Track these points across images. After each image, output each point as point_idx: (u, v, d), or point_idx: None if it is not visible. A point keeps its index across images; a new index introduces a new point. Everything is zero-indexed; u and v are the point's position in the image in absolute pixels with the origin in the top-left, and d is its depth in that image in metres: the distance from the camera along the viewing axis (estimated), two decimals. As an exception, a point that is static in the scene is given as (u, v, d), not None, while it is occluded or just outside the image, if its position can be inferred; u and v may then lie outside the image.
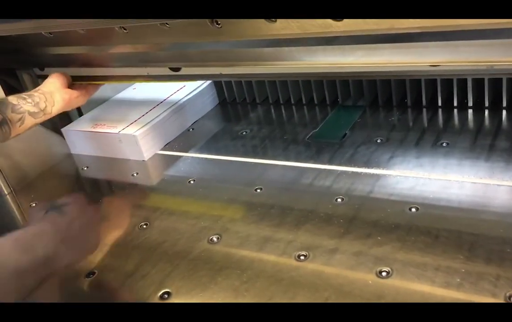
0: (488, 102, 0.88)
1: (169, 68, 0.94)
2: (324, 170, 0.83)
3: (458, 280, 0.56)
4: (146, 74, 1.01)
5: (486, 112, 0.89)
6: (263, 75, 0.98)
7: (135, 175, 0.99)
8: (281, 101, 1.12)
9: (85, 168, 1.06)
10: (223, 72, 0.91)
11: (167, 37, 0.83)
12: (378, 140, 0.88)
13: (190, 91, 1.15)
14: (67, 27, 0.86)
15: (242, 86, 1.17)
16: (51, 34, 0.95)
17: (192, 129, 1.11)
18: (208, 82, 1.18)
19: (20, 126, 0.86)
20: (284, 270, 0.64)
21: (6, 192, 1.01)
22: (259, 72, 0.92)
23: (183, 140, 1.08)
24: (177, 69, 0.94)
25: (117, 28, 0.85)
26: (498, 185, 0.70)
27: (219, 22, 0.75)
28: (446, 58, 0.65)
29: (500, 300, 0.52)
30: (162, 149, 1.06)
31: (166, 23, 0.79)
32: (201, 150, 1.02)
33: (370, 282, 0.59)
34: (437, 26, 0.59)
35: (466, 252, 0.59)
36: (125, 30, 0.85)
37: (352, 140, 0.90)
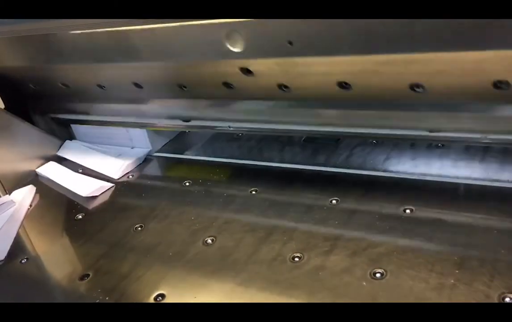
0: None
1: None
2: (320, 171, 0.83)
3: (452, 281, 0.56)
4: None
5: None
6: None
7: (130, 177, 0.99)
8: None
9: (81, 170, 1.06)
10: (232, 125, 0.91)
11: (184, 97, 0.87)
12: (374, 141, 0.88)
13: None
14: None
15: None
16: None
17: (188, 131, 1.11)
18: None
19: None
20: (278, 272, 0.64)
21: (1, 195, 1.01)
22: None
23: (179, 143, 1.08)
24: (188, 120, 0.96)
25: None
26: (492, 185, 0.70)
27: (231, 85, 0.78)
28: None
29: (494, 301, 0.52)
30: (158, 151, 1.06)
31: (184, 86, 0.83)
32: (197, 153, 1.02)
33: (364, 283, 0.58)
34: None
35: (460, 253, 0.59)
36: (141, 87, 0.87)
37: (348, 142, 0.90)
